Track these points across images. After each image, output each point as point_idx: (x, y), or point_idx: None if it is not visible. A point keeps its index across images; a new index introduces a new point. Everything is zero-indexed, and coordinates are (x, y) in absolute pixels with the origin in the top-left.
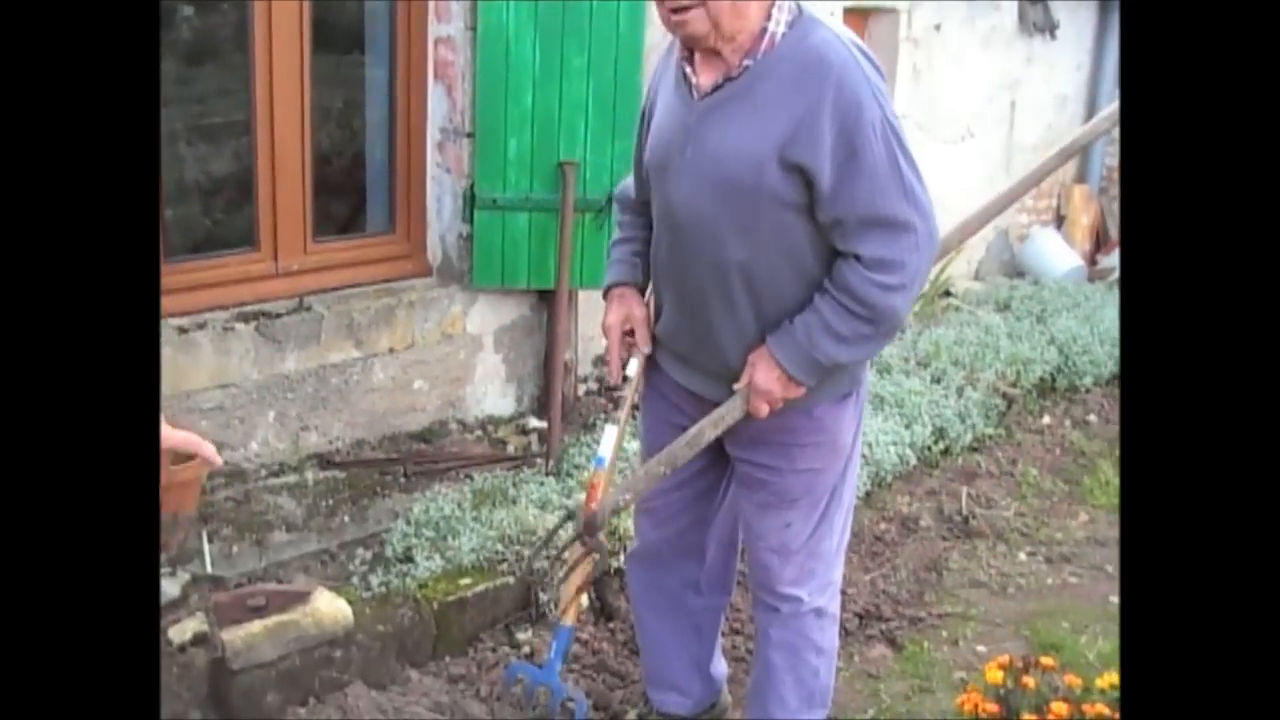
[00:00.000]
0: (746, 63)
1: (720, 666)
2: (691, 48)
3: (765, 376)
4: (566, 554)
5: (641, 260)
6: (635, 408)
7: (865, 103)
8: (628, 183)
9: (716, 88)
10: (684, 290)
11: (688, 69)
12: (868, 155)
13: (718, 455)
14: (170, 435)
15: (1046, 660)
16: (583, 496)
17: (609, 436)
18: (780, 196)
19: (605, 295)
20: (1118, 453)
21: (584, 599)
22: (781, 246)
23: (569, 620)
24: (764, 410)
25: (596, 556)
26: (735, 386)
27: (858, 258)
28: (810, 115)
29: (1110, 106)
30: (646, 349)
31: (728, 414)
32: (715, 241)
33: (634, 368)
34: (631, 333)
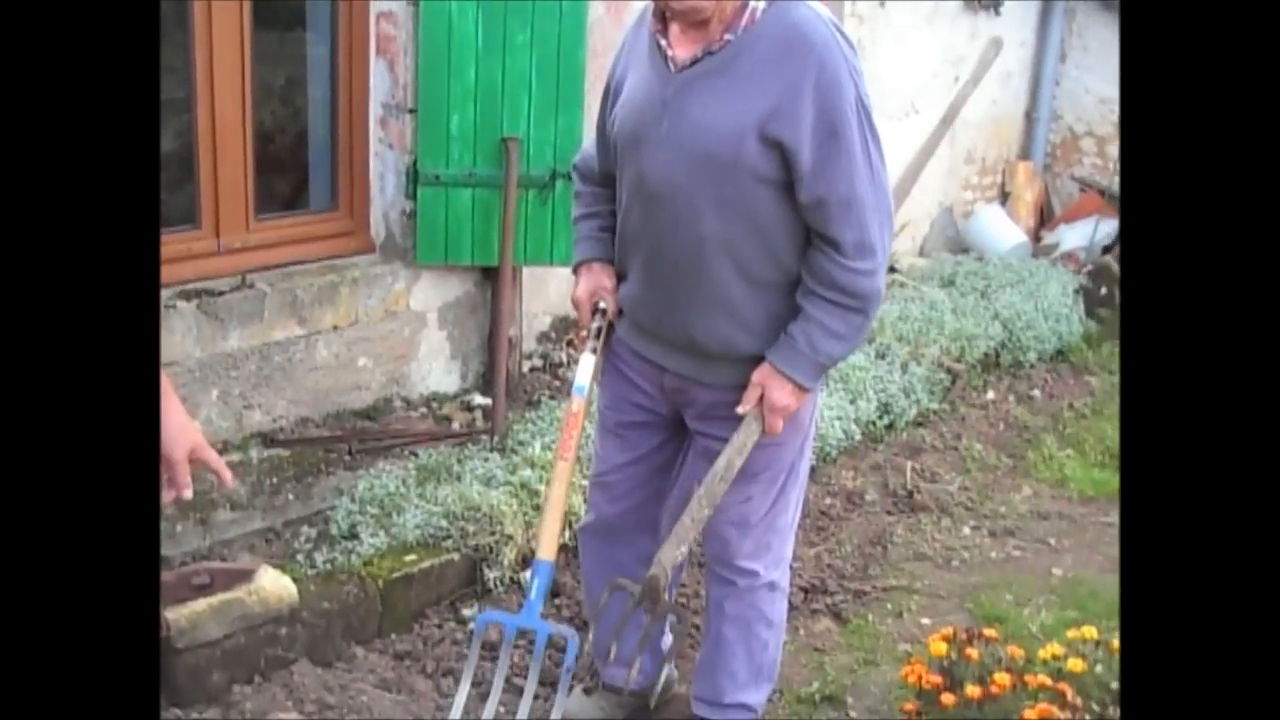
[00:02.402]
0: (728, 37)
1: (667, 640)
2: (670, 20)
3: (780, 394)
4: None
5: (609, 235)
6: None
7: (845, 82)
8: (587, 152)
9: (695, 61)
10: (653, 262)
11: (662, 41)
12: (847, 136)
13: (675, 430)
14: (202, 448)
15: (990, 632)
16: (529, 472)
17: (585, 365)
18: (758, 172)
19: (575, 271)
20: (1061, 427)
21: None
22: (754, 223)
23: (548, 555)
24: (780, 426)
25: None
26: (740, 410)
27: (837, 246)
28: (791, 92)
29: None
30: (616, 317)
31: (746, 439)
32: (690, 215)
33: (607, 301)
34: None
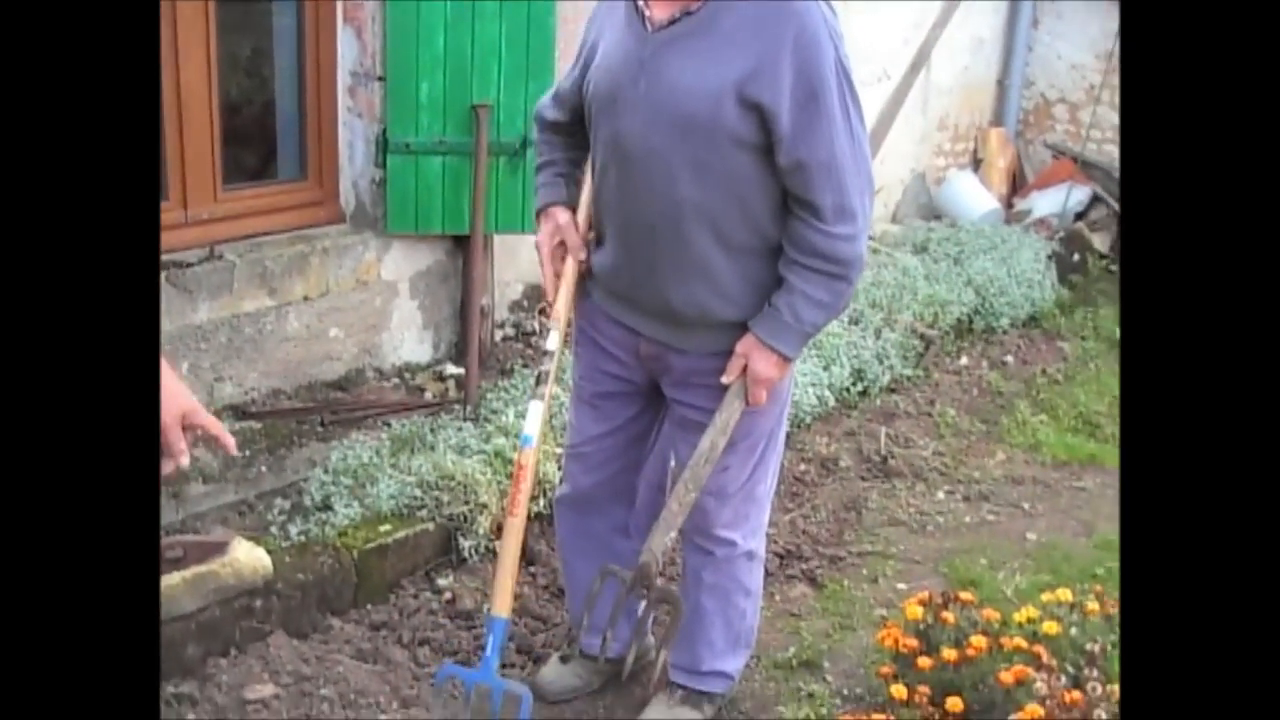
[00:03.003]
0: None
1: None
2: None
3: (764, 365)
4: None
5: (565, 180)
6: (558, 380)
7: (825, 44)
8: (545, 101)
9: (673, 21)
10: (629, 226)
11: (640, 1)
12: (827, 98)
13: (650, 399)
14: (197, 412)
15: (965, 595)
16: (503, 441)
17: (534, 414)
18: (736, 134)
19: (537, 218)
20: (1034, 393)
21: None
22: (732, 187)
23: (504, 612)
24: (764, 397)
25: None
26: (725, 380)
27: (816, 211)
28: (771, 53)
29: None
30: (581, 255)
31: (730, 416)
32: (666, 178)
33: (554, 341)
34: (565, 246)
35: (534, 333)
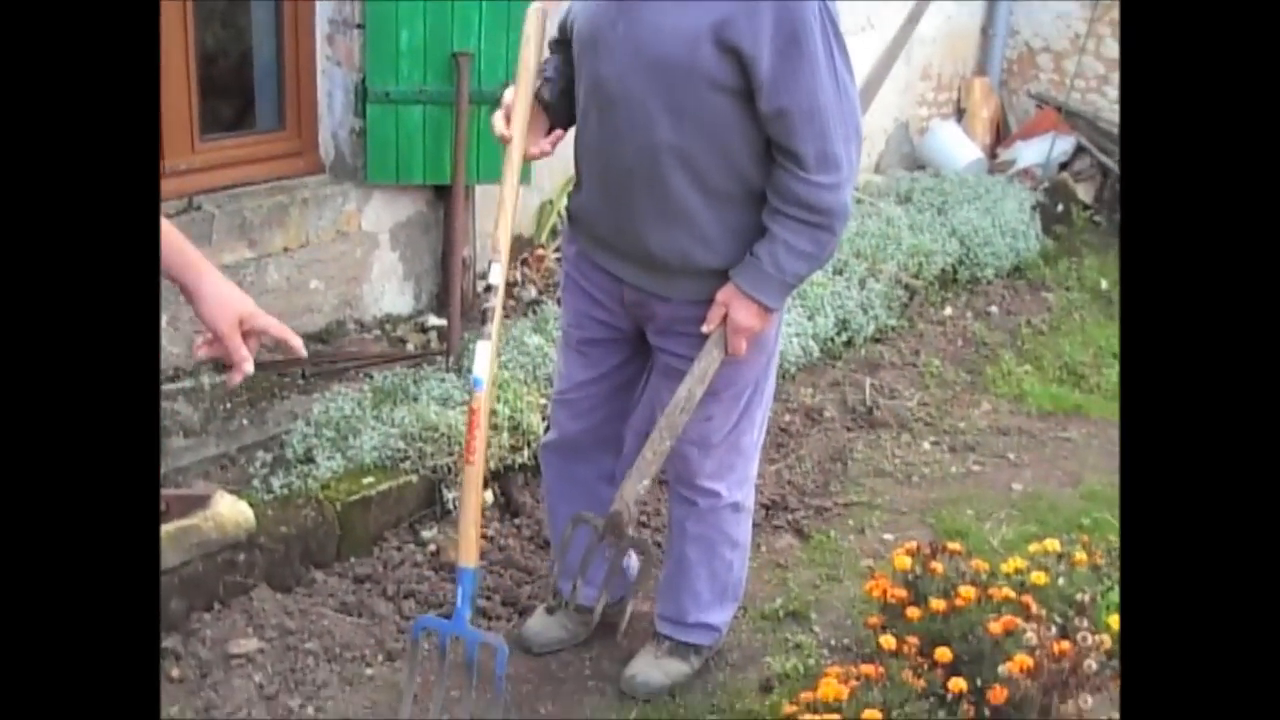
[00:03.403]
0: None
1: (631, 560)
2: None
3: (745, 315)
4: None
5: (550, 83)
6: (506, 316)
7: None
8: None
9: None
10: (609, 171)
11: None
12: (809, 44)
13: (638, 347)
14: (256, 315)
15: (953, 546)
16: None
17: (482, 354)
18: (713, 78)
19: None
20: (1019, 343)
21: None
22: (712, 133)
23: (471, 562)
24: (744, 348)
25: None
26: (705, 329)
27: (799, 159)
28: None
29: None
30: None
31: (708, 366)
32: (644, 122)
33: (496, 274)
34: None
35: (516, 283)
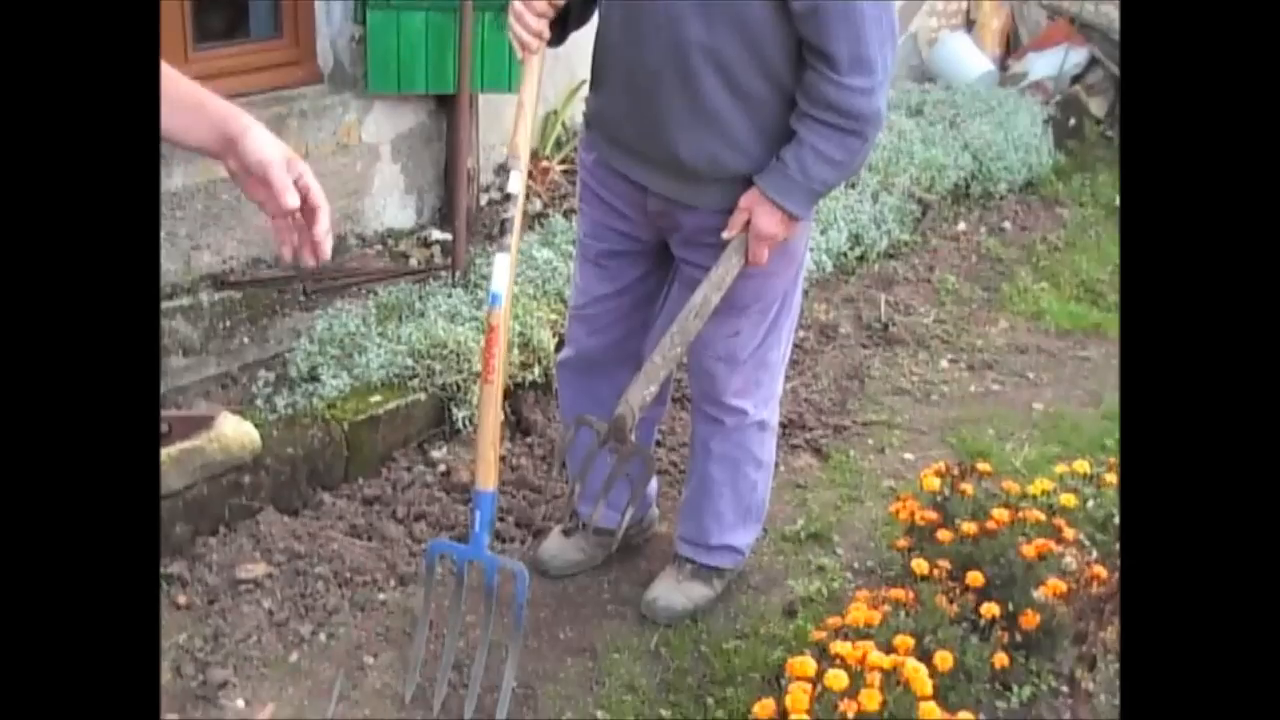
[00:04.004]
0: None
1: (653, 484)
2: None
3: (768, 221)
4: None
5: None
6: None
7: None
8: None
9: None
10: (634, 72)
11: None
12: None
13: (659, 259)
14: (296, 161)
15: (984, 466)
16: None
17: (500, 268)
18: None
19: None
20: (1034, 260)
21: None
22: (743, 31)
23: (490, 484)
24: (765, 257)
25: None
26: (725, 235)
27: (830, 61)
28: None
29: None
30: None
31: (726, 273)
32: (672, 19)
33: (515, 182)
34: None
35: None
